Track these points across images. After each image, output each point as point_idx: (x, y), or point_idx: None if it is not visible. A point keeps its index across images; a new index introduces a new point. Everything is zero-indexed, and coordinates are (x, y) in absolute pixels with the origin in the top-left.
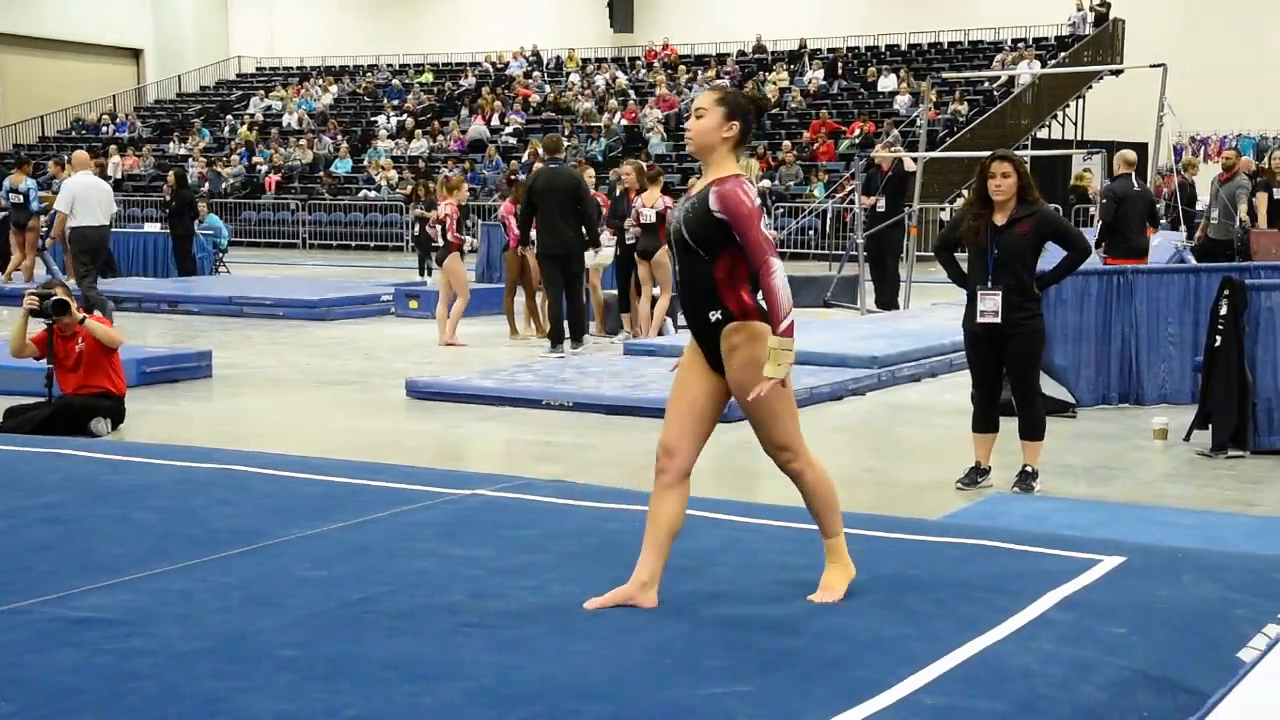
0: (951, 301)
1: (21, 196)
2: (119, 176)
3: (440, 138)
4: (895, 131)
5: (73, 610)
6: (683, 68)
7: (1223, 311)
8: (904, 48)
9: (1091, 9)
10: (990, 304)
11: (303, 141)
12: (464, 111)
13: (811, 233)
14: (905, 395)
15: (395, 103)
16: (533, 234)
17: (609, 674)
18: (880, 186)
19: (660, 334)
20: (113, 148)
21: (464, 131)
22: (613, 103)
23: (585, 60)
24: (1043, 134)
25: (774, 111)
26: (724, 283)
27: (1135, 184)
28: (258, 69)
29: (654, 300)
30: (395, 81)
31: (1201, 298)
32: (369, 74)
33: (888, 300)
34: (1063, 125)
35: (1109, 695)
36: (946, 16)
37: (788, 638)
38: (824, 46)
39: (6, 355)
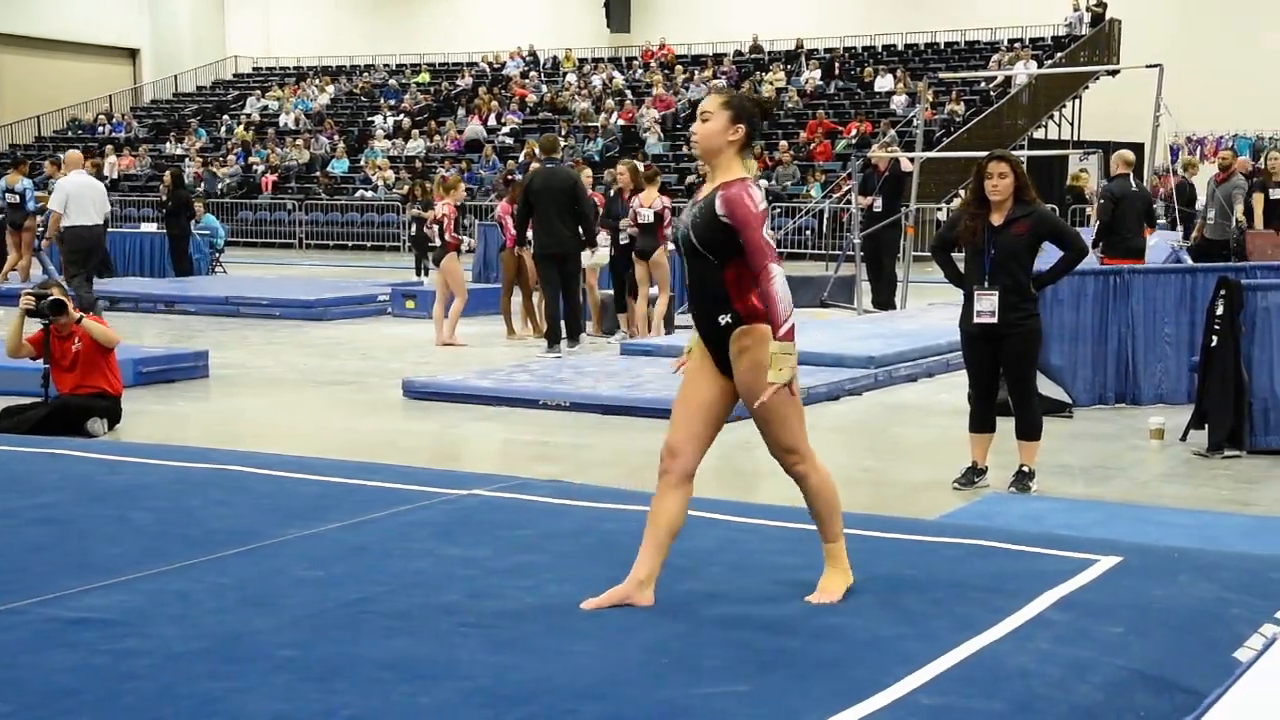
0: (948, 301)
1: (18, 197)
2: (115, 176)
3: (437, 138)
4: (892, 132)
5: (69, 611)
6: (679, 68)
7: (1219, 311)
8: (901, 48)
9: (1088, 9)
10: (987, 304)
11: (299, 141)
12: (461, 111)
13: (808, 233)
14: (902, 395)
15: (392, 103)
16: (529, 234)
17: (606, 674)
18: (877, 187)
19: (665, 332)
20: (109, 148)
21: (460, 131)
22: (609, 103)
23: (582, 60)
24: (1039, 134)
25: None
26: (733, 287)
27: (1133, 184)
28: (254, 69)
29: (651, 300)
30: (392, 81)
31: (1198, 298)
32: (365, 74)
33: (884, 300)
34: (1059, 125)
35: (1106, 695)
36: (943, 17)
37: (784, 638)
38: (821, 46)
39: (3, 355)
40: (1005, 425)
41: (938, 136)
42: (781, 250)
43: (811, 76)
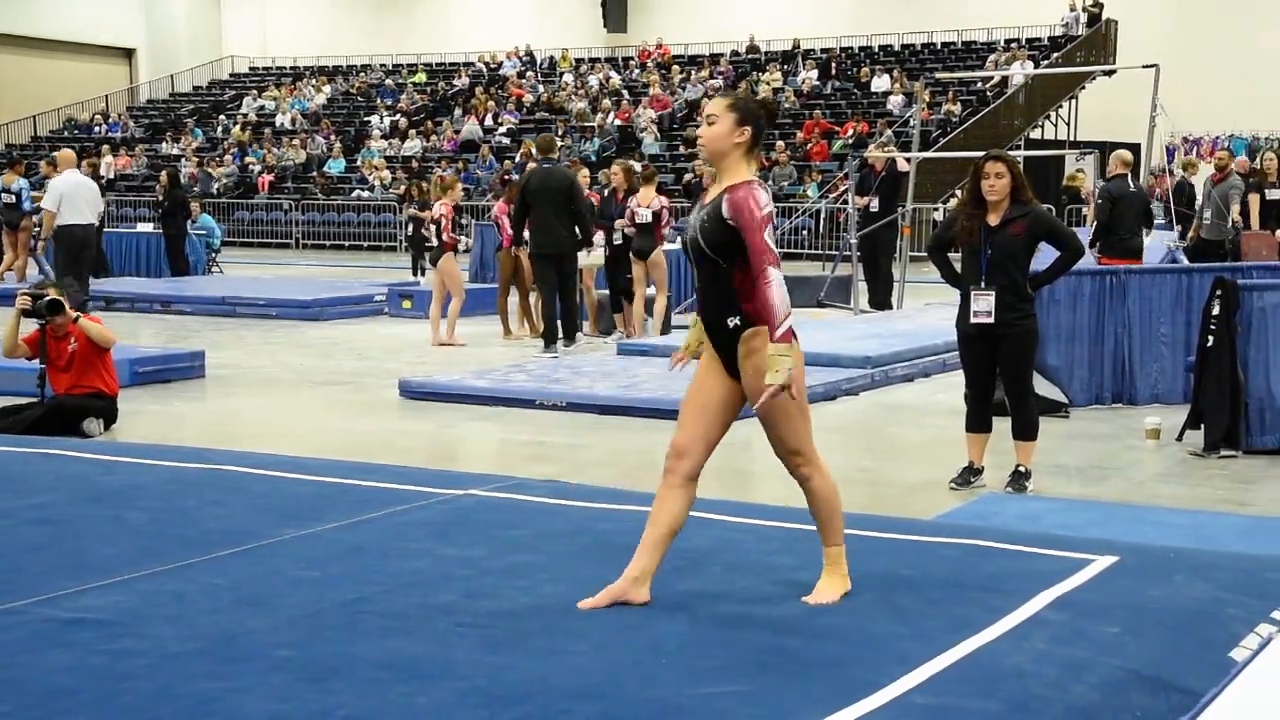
0: (945, 301)
1: (13, 197)
2: (111, 176)
3: (433, 138)
4: (889, 132)
5: (65, 611)
6: (676, 68)
7: (1215, 312)
8: (897, 48)
9: (1084, 9)
10: (984, 304)
11: (296, 141)
12: (457, 111)
13: (805, 233)
14: (898, 395)
15: (388, 103)
16: (526, 234)
17: (602, 674)
18: (874, 187)
19: (663, 331)
20: (105, 147)
21: (457, 131)
22: (606, 103)
23: (579, 60)
24: (1036, 134)
25: None
26: (741, 289)
27: (1131, 184)
28: (251, 69)
29: (649, 300)
30: (388, 81)
31: (1194, 298)
32: (362, 74)
33: (881, 300)
34: (1055, 126)
35: (1102, 695)
36: (939, 16)
37: (781, 637)
38: (817, 46)
39: None
40: (1002, 425)
41: (934, 136)
42: (778, 250)
43: (808, 76)
